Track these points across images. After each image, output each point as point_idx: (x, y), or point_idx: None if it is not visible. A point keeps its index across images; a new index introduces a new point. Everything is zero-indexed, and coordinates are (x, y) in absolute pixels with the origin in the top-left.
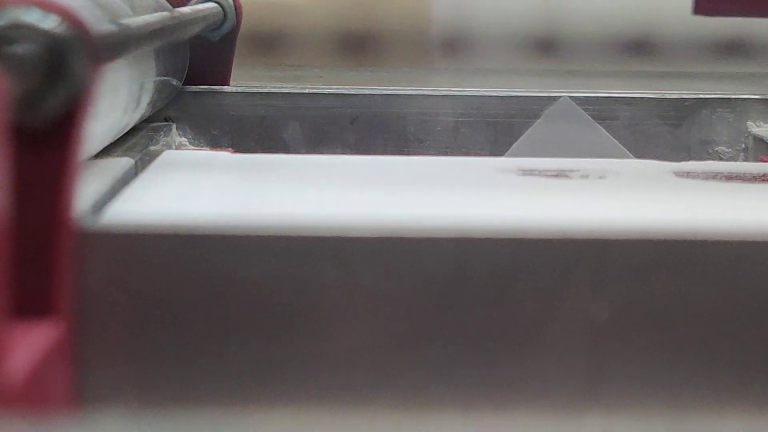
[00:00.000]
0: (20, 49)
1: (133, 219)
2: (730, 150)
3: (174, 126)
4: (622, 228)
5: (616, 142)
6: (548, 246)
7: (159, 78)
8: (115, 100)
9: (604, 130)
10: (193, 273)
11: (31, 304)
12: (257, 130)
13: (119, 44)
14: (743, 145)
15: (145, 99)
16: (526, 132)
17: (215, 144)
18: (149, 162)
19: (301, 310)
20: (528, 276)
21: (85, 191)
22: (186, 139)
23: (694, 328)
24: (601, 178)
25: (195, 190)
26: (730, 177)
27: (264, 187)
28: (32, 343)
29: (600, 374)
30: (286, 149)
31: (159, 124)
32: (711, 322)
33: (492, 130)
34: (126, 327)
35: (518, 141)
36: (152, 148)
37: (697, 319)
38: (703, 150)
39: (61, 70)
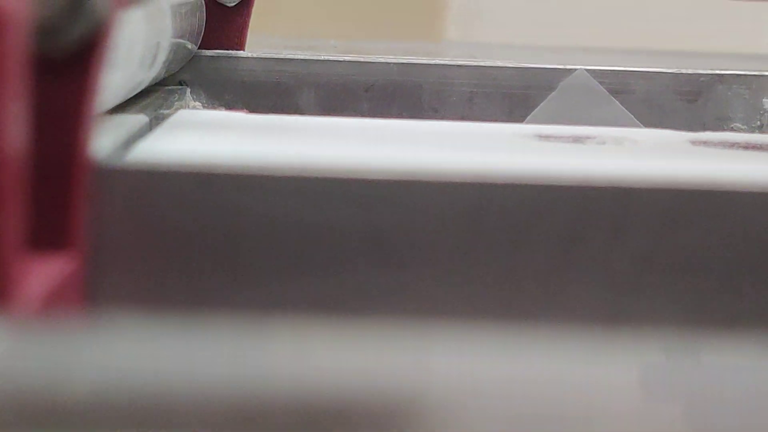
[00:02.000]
0: None
1: (151, 156)
2: (745, 127)
3: (188, 90)
4: (642, 177)
5: (631, 115)
6: (567, 192)
7: (175, 39)
8: (131, 53)
9: (619, 104)
10: (209, 211)
11: (47, 236)
12: (272, 96)
13: None
14: (759, 122)
15: (161, 58)
16: (541, 104)
17: (229, 109)
18: (163, 120)
19: (318, 251)
20: (547, 222)
21: (100, 142)
22: (200, 104)
23: (713, 277)
24: (617, 144)
25: (212, 138)
26: (747, 146)
27: (281, 138)
28: (47, 274)
29: (618, 323)
30: (300, 115)
31: (173, 87)
32: (731, 272)
33: (507, 102)
34: (141, 264)
35: (533, 113)
36: (166, 111)
37: (717, 269)
38: (718, 126)
39: (83, 1)
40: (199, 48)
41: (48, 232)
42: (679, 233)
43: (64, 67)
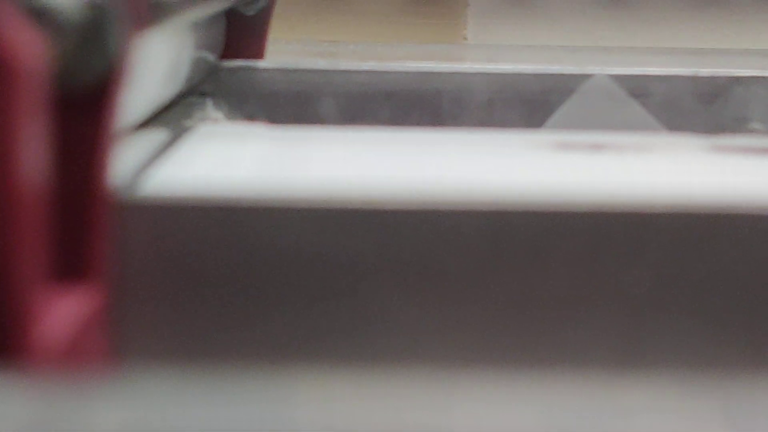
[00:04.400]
0: (60, 14)
1: (170, 189)
2: (764, 126)
3: (209, 101)
4: (659, 201)
5: (651, 118)
6: (583, 218)
7: (195, 52)
8: (151, 73)
9: (638, 107)
10: (228, 243)
11: (69, 270)
12: (292, 106)
13: (159, 11)
14: None
15: (182, 73)
16: (560, 109)
17: (251, 119)
18: (185, 135)
19: (338, 280)
20: (563, 249)
21: (121, 163)
22: (221, 114)
23: (731, 301)
24: (636, 152)
25: (231, 162)
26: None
27: (299, 161)
28: (70, 307)
29: (637, 346)
30: (321, 125)
31: (194, 99)
32: (749, 296)
33: (526, 107)
34: (164, 296)
35: (552, 118)
36: (187, 122)
37: (735, 292)
38: (736, 127)
39: (100, 36)
40: (219, 58)
41: (70, 266)
42: (700, 257)
43: (83, 101)
